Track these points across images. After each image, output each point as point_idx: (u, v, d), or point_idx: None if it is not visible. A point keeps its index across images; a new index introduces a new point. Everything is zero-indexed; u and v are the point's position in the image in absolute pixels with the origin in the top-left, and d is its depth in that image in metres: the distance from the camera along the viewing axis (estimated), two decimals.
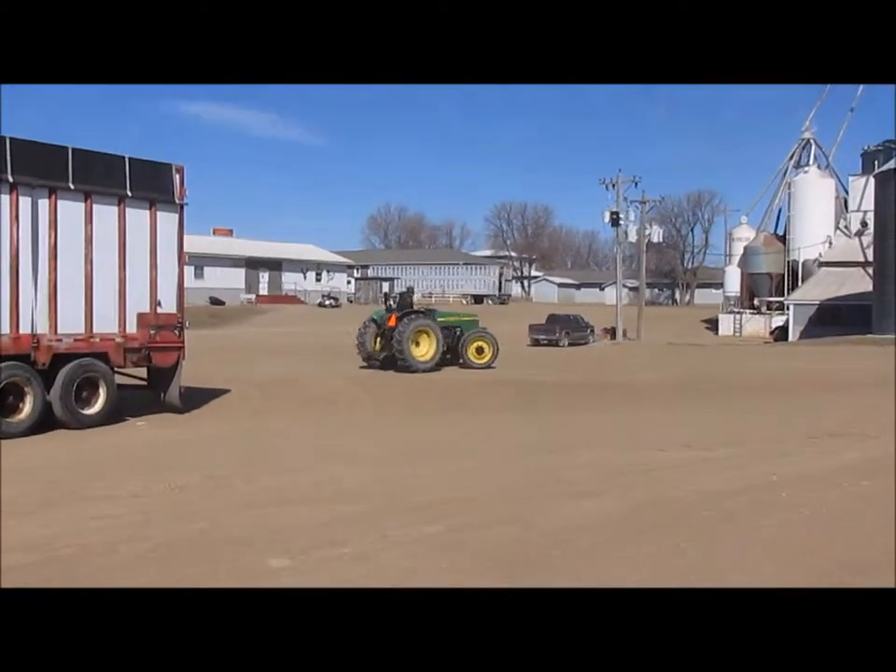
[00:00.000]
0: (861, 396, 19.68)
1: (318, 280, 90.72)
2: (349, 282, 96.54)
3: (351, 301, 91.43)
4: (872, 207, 56.56)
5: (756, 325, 68.79)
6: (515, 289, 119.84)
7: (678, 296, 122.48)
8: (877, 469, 10.34)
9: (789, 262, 70.52)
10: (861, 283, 60.19)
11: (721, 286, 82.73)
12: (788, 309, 62.87)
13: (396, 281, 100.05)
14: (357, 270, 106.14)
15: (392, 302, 27.02)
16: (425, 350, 25.10)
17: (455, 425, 15.94)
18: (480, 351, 26.04)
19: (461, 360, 25.86)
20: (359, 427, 15.62)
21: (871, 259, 57.19)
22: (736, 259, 76.18)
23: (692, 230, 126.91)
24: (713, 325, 73.55)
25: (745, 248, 73.87)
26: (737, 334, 68.30)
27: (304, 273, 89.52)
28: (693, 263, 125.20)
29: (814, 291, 62.17)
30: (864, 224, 66.68)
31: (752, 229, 77.84)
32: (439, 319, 26.36)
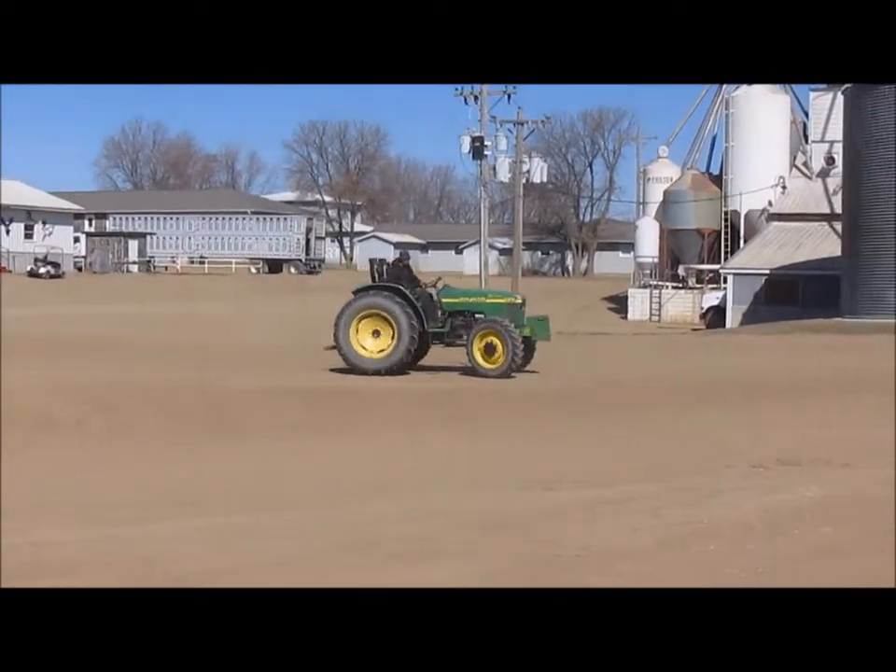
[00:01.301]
0: (828, 406, 20.49)
1: (29, 237, 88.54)
2: (77, 239, 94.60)
3: (80, 269, 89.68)
4: (841, 136, 58.84)
5: (681, 304, 70.72)
6: (332, 252, 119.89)
7: (570, 262, 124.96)
8: (845, 510, 10.78)
9: (727, 214, 72.71)
10: (825, 243, 62.63)
11: (631, 247, 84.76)
12: (725, 281, 64.78)
13: (150, 238, 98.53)
14: (91, 221, 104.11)
15: (378, 272, 26.53)
16: (383, 342, 25.05)
17: (230, 457, 15.86)
18: (490, 351, 25.06)
19: (470, 363, 25.54)
20: (86, 462, 15.37)
21: (839, 210, 59.55)
22: (653, 209, 78.05)
23: (590, 165, 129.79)
24: (620, 304, 75.26)
25: (665, 193, 75.69)
26: (654, 318, 70.14)
27: (6, 226, 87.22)
28: (592, 215, 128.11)
29: (761, 255, 64.38)
30: (831, 160, 69.40)
31: (675, 165, 79.86)
32: (446, 300, 26.03)
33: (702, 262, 72.75)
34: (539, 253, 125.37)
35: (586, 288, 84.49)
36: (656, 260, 76.11)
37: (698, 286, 71.58)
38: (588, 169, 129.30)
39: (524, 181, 59.35)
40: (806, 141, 73.79)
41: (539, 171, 60.15)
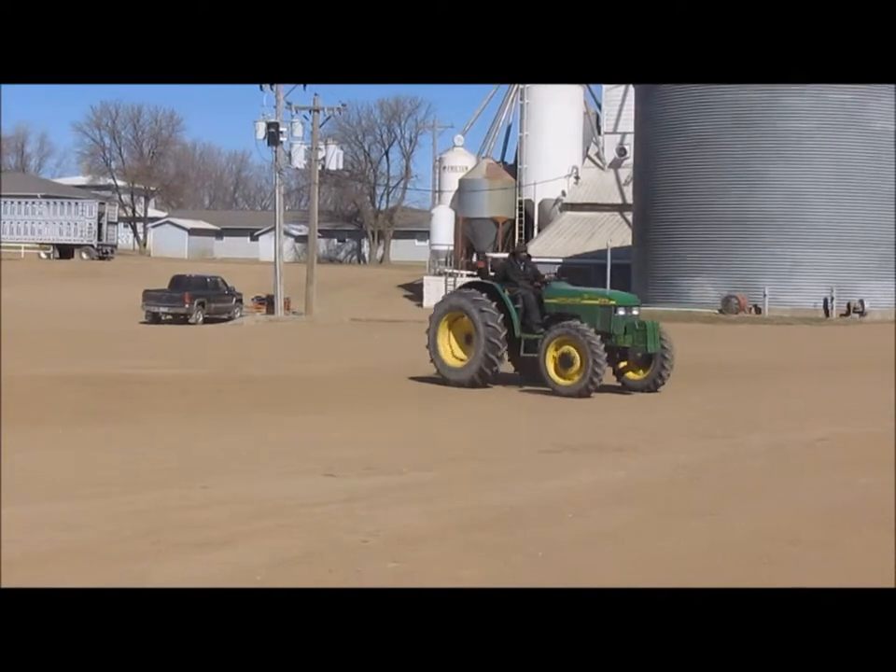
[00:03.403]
0: (607, 394, 20.92)
1: None
2: None
3: None
4: (632, 128, 60.18)
5: None
6: (125, 237, 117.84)
7: (366, 250, 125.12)
8: (618, 494, 11.10)
9: (521, 203, 73.71)
10: (617, 233, 64.03)
11: (427, 235, 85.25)
12: None
13: None
14: None
15: (486, 267, 24.12)
16: (473, 349, 21.59)
17: (13, 446, 15.50)
18: (565, 363, 20.51)
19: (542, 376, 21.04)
20: None
21: (631, 200, 60.89)
22: (449, 198, 78.64)
23: (386, 153, 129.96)
24: (416, 292, 75.60)
25: (460, 182, 76.35)
26: None
27: None
28: (388, 202, 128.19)
29: (555, 244, 65.55)
30: (623, 151, 70.95)
31: (471, 154, 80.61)
32: (547, 301, 21.88)
33: (497, 251, 73.53)
34: (335, 240, 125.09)
35: (382, 276, 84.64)
36: (452, 248, 76.74)
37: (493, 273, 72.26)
38: (384, 157, 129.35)
39: (319, 168, 59.16)
40: (599, 132, 75.26)
41: (334, 158, 60.02)
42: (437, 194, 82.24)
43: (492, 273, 23.52)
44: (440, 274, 74.28)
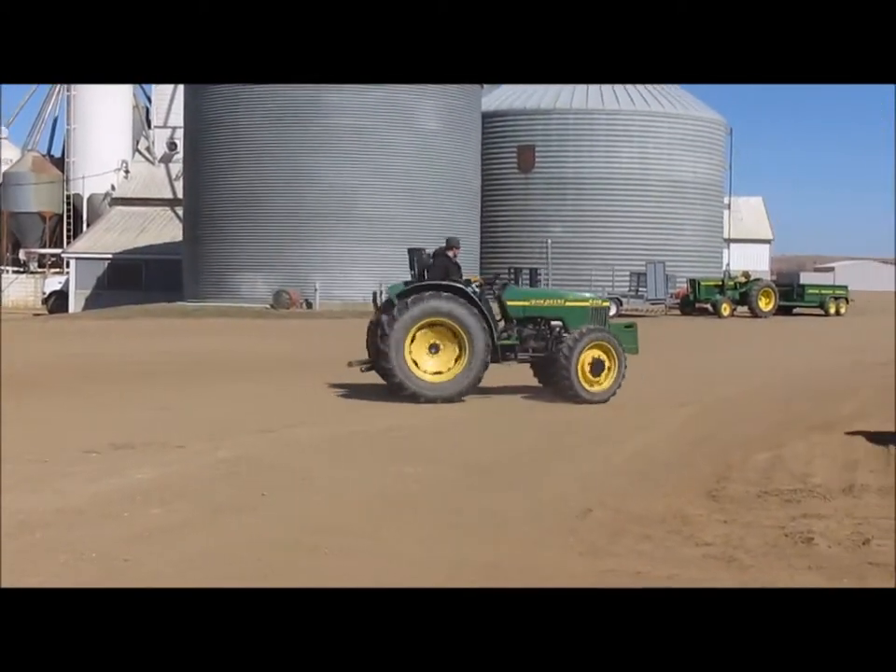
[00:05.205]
0: (164, 390, 20.77)
1: None
2: None
3: None
4: (182, 123, 59.84)
5: (23, 288, 69.49)
6: None
7: None
8: (176, 491, 10.97)
9: (69, 197, 72.14)
10: (168, 228, 63.60)
11: None
12: (68, 266, 64.27)
13: None
14: None
15: (418, 267, 19.75)
16: (445, 361, 19.07)
17: None
18: (597, 368, 19.08)
19: (559, 383, 19.09)
20: None
21: (182, 195, 60.52)
22: None
23: None
24: None
25: (5, 176, 74.15)
26: None
27: None
28: None
29: (105, 240, 64.37)
30: (173, 146, 70.49)
31: (16, 147, 78.31)
32: (512, 303, 19.93)
33: (44, 246, 71.91)
34: None
35: None
36: None
37: (40, 270, 70.66)
38: None
39: None
40: (149, 126, 74.54)
41: None
42: None
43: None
44: None
